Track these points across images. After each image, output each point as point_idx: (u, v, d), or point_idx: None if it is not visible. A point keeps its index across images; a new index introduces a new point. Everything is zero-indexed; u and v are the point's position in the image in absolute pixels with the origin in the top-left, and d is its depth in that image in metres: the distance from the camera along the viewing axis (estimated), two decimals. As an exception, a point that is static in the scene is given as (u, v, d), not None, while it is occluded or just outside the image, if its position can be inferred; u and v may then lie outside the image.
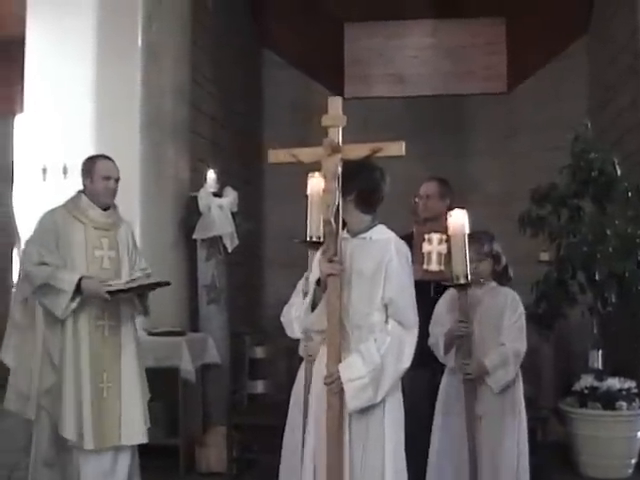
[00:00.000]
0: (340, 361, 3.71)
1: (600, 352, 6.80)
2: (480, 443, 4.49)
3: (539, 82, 10.36)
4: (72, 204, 4.82)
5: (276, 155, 3.96)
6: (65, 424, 4.54)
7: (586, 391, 6.58)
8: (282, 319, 4.33)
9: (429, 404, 4.89)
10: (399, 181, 9.80)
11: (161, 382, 5.70)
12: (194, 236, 7.33)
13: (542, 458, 5.83)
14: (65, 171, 6.82)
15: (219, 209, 7.29)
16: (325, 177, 3.73)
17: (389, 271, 3.76)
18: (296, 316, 4.14)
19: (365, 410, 3.74)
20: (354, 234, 3.89)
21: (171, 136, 7.39)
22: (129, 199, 5.95)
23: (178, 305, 7.24)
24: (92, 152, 5.29)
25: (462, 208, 4.50)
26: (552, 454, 6.24)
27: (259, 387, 8.22)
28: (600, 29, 9.62)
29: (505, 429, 4.60)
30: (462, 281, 4.43)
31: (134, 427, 4.73)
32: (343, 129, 3.73)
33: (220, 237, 7.34)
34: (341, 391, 3.68)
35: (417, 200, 5.63)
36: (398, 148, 3.79)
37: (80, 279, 4.55)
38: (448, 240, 5.16)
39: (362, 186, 3.85)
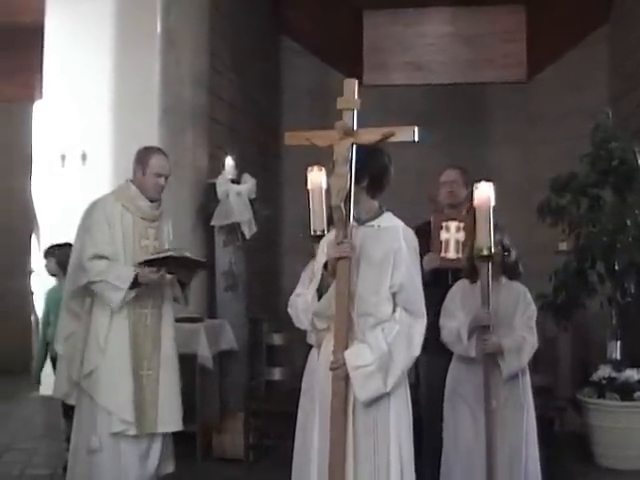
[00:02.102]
0: (347, 348, 3.63)
1: (619, 342, 6.76)
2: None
3: (559, 70, 10.30)
4: (122, 193, 4.83)
5: (292, 137, 3.93)
6: (116, 406, 4.59)
7: (604, 382, 6.54)
8: (289, 310, 4.23)
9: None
10: (416, 169, 9.85)
11: (179, 368, 5.72)
12: (212, 223, 7.33)
13: (559, 448, 5.82)
14: (84, 158, 6.86)
15: (237, 196, 7.30)
16: (336, 161, 3.66)
17: (398, 259, 3.69)
18: (302, 308, 4.02)
19: (372, 402, 3.64)
20: (362, 222, 3.80)
21: (189, 123, 7.40)
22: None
23: (196, 291, 7.21)
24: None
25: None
26: (569, 444, 6.22)
27: (276, 374, 8.22)
28: (621, 17, 9.54)
29: (512, 419, 4.57)
30: (485, 252, 4.39)
31: (172, 415, 4.81)
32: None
33: (238, 224, 7.35)
34: (347, 378, 3.60)
35: (442, 187, 5.57)
36: (411, 133, 3.78)
37: (136, 275, 4.59)
38: (466, 228, 5.17)
39: (374, 171, 3.81)
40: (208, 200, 7.40)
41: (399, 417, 3.73)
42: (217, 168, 7.57)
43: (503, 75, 10.78)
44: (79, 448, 4.75)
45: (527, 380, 4.70)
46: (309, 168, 4.46)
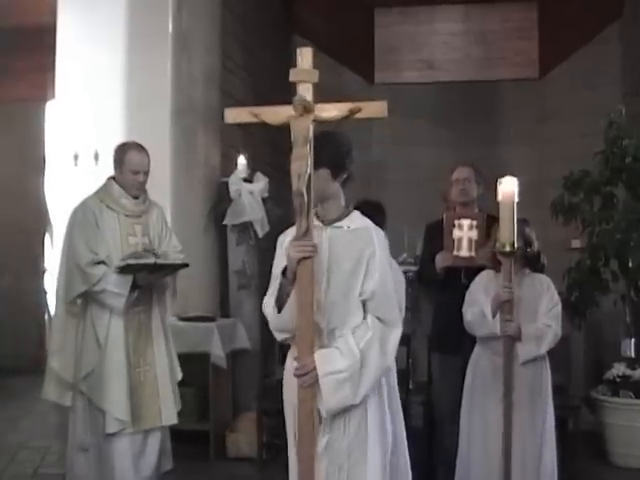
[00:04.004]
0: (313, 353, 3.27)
1: (632, 340, 6.74)
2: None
3: (572, 67, 10.27)
4: (104, 193, 4.81)
5: (234, 114, 3.46)
6: (110, 405, 4.60)
7: (618, 380, 6.52)
8: (264, 311, 3.65)
9: (459, 394, 4.87)
10: (428, 167, 9.81)
11: (192, 367, 5.72)
12: (225, 222, 7.34)
13: (573, 447, 5.80)
14: (96, 157, 6.87)
15: (250, 195, 7.30)
16: (295, 141, 3.20)
17: (371, 266, 3.35)
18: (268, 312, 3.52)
19: (344, 413, 3.33)
20: (329, 222, 3.44)
21: (202, 122, 7.40)
22: (160, 186, 5.97)
23: (209, 291, 7.27)
24: (123, 139, 5.30)
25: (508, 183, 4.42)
26: (583, 443, 6.20)
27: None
28: (634, 14, 9.50)
29: (530, 419, 4.57)
30: (508, 249, 4.32)
31: (172, 408, 4.82)
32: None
33: (251, 223, 7.35)
34: (316, 383, 3.24)
35: (454, 185, 5.55)
36: (380, 108, 3.34)
37: (134, 278, 4.60)
38: (478, 226, 5.15)
39: (347, 162, 3.46)
40: (221, 199, 7.40)
41: (377, 429, 3.43)
42: (229, 167, 7.57)
43: (515, 73, 10.76)
44: (74, 446, 4.78)
45: (547, 375, 4.71)
46: None
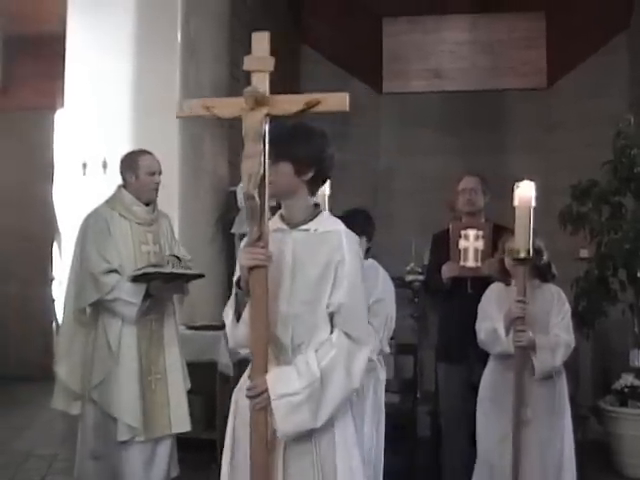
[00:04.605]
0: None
1: (641, 350, 6.73)
2: (525, 444, 4.35)
3: (579, 77, 10.27)
4: (115, 201, 4.82)
5: (188, 107, 3.17)
6: (122, 413, 4.59)
7: (626, 390, 6.51)
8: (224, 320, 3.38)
9: (465, 404, 4.86)
10: (435, 177, 9.82)
11: (199, 376, 5.72)
12: (232, 230, 7.34)
13: (581, 458, 5.78)
14: (105, 166, 6.88)
15: (257, 204, 7.30)
16: (246, 137, 2.92)
17: (340, 274, 2.97)
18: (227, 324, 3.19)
19: (308, 437, 2.98)
20: (294, 225, 3.09)
21: (209, 131, 7.42)
22: (168, 194, 5.96)
23: (216, 299, 7.26)
24: (131, 147, 5.32)
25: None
26: (591, 454, 6.18)
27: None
28: (642, 23, 9.50)
29: (548, 435, 4.50)
30: (522, 255, 4.19)
31: (183, 416, 4.82)
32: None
33: (258, 232, 7.34)
34: (269, 406, 2.91)
35: (461, 194, 5.55)
36: (341, 101, 3.04)
37: (147, 287, 4.60)
38: (484, 236, 5.15)
39: (319, 158, 3.14)
40: (228, 208, 7.41)
41: (347, 456, 3.06)
42: (237, 176, 7.57)
43: (523, 82, 10.76)
44: (84, 454, 4.77)
45: (564, 387, 4.64)
46: None
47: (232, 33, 7.84)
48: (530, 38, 10.84)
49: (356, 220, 4.59)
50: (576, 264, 6.97)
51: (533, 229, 4.45)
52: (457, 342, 4.92)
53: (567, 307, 4.64)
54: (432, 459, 5.92)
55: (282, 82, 9.98)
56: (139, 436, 4.61)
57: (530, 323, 4.38)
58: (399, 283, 7.96)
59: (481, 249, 5.16)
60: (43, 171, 10.68)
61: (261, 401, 2.90)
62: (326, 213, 3.20)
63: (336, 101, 3.05)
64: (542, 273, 4.65)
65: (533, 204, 4.23)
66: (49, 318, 10.89)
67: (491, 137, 10.45)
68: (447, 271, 5.26)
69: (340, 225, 3.12)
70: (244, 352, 3.11)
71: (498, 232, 4.94)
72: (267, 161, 2.91)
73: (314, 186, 3.12)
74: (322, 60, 10.69)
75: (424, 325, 8.00)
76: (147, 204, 4.84)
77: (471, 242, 5.20)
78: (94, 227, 4.73)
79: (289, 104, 3.04)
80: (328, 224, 3.11)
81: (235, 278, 3.07)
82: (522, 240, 4.19)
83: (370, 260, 4.66)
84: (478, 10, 10.66)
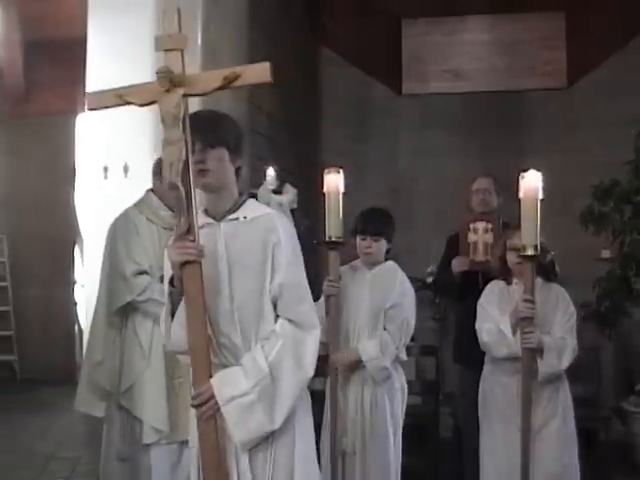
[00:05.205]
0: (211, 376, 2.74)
1: (664, 351, 6.70)
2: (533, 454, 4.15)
3: (600, 77, 10.21)
4: (143, 204, 4.85)
5: (97, 99, 2.95)
6: (149, 415, 4.59)
7: (649, 391, 6.49)
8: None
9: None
10: (454, 177, 9.79)
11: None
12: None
13: (603, 459, 5.76)
14: (126, 169, 6.91)
15: (279, 206, 7.31)
16: (164, 122, 2.73)
17: (277, 257, 2.84)
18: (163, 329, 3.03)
19: (266, 443, 2.78)
20: (221, 217, 2.93)
21: (229, 135, 7.43)
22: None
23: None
24: (153, 152, 5.34)
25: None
26: (613, 454, 6.16)
27: (317, 384, 8.20)
28: (663, 22, 9.45)
29: (550, 447, 4.28)
30: (530, 252, 3.93)
31: None
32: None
33: (279, 234, 7.34)
34: (218, 414, 2.72)
35: (474, 195, 5.59)
36: (262, 72, 2.84)
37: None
38: (493, 229, 5.13)
39: (238, 144, 3.00)
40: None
41: (306, 460, 2.90)
42: (258, 179, 7.60)
43: (543, 82, 10.71)
44: (109, 457, 4.78)
45: (567, 397, 4.42)
46: (326, 170, 4.37)
47: (251, 37, 7.85)
48: (550, 38, 10.79)
49: (377, 220, 4.59)
50: (597, 265, 6.94)
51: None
52: (468, 343, 4.91)
53: (572, 309, 4.40)
54: (454, 461, 5.91)
55: (304, 84, 10.05)
56: (165, 439, 4.61)
57: (537, 324, 4.17)
58: (420, 285, 7.98)
59: (490, 242, 5.15)
60: (65, 175, 10.77)
61: (208, 409, 2.70)
62: (252, 200, 3.04)
63: (257, 72, 2.85)
64: (546, 272, 4.41)
65: (540, 196, 3.99)
66: (71, 321, 10.97)
67: (511, 138, 10.41)
68: (457, 265, 5.32)
69: (269, 209, 3.02)
70: (183, 360, 2.92)
71: (504, 230, 4.92)
72: (198, 147, 2.80)
73: (239, 176, 3.00)
74: (341, 62, 10.68)
75: (445, 326, 7.98)
76: (173, 209, 4.86)
77: (480, 235, 5.20)
78: (123, 229, 4.75)
79: (206, 81, 2.88)
80: (256, 210, 2.98)
81: (167, 276, 2.89)
82: (529, 235, 3.92)
83: (390, 262, 4.67)
84: (497, 11, 10.63)
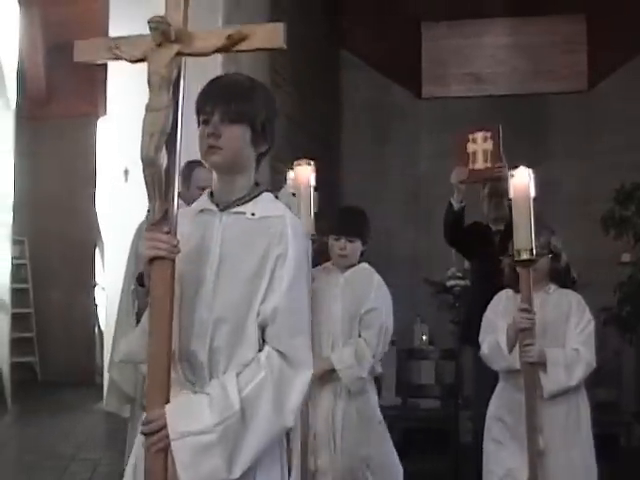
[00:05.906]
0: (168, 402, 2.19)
1: (686, 356, 6.66)
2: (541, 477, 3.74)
3: (621, 80, 10.16)
4: None
5: (86, 49, 2.58)
6: None
7: (671, 396, 6.44)
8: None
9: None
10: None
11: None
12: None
13: (624, 464, 5.72)
14: (147, 173, 6.95)
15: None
16: (150, 84, 2.32)
17: (278, 273, 2.29)
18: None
19: None
20: (225, 205, 2.42)
21: (250, 135, 7.44)
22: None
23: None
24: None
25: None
26: (635, 460, 6.11)
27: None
28: (685, 25, 9.40)
29: (567, 464, 3.84)
30: (525, 256, 3.57)
31: None
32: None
33: (300, 237, 7.35)
34: (169, 449, 2.16)
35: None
36: (274, 34, 2.44)
37: None
38: (493, 137, 5.05)
39: (266, 119, 2.46)
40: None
41: None
42: (278, 182, 7.60)
43: (563, 85, 10.67)
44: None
45: (586, 411, 3.98)
46: (295, 162, 4.23)
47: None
48: (570, 41, 10.75)
49: (352, 220, 4.50)
50: (617, 269, 6.91)
51: (550, 229, 4.04)
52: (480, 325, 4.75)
53: (588, 317, 3.95)
54: (474, 465, 5.88)
55: (323, 87, 10.07)
56: None
57: (543, 335, 3.82)
58: (440, 288, 7.96)
59: (490, 150, 5.06)
60: (86, 178, 10.84)
61: (158, 441, 2.15)
62: (268, 194, 2.49)
63: (267, 35, 2.39)
64: (560, 277, 4.03)
65: (532, 194, 3.66)
66: (92, 323, 11.03)
67: (531, 141, 10.37)
68: (455, 176, 5.15)
69: (285, 210, 2.45)
70: (144, 369, 2.32)
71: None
72: (215, 119, 2.37)
73: (260, 162, 2.50)
74: (361, 65, 10.68)
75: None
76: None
77: (479, 144, 5.10)
78: None
79: (207, 40, 2.35)
80: (269, 208, 2.43)
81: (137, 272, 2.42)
82: (523, 238, 3.58)
83: (364, 264, 4.38)
84: (518, 14, 10.61)
